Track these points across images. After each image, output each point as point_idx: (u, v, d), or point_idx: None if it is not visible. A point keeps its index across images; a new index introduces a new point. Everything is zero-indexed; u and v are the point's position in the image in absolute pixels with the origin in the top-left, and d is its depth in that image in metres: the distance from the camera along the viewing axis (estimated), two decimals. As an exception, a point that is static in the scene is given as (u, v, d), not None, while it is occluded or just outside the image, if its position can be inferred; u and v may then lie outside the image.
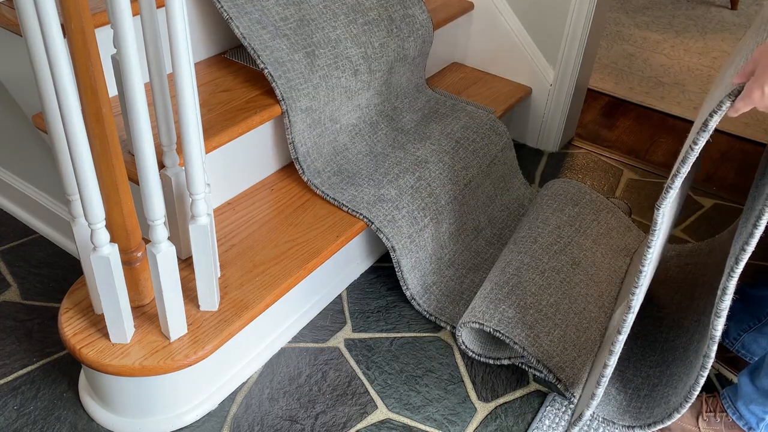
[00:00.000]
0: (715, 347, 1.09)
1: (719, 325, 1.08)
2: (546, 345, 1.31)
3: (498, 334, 1.31)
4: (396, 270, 1.47)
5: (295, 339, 1.43)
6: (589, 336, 1.38)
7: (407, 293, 1.49)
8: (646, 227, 1.84)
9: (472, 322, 1.33)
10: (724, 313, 1.08)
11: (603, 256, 1.57)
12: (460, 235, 1.64)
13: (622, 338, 1.10)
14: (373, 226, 1.44)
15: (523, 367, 1.38)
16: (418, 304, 1.50)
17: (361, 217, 1.44)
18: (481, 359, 1.39)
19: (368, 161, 1.59)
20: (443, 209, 1.58)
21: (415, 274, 1.50)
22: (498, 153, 1.79)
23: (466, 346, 1.39)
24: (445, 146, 1.68)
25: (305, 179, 1.49)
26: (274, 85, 1.38)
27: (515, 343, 1.30)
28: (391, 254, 1.46)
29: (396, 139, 1.67)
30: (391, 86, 1.70)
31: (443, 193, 1.59)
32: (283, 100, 1.39)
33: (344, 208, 1.46)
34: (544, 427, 1.27)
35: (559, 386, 1.30)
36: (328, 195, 1.47)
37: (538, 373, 1.38)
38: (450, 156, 1.66)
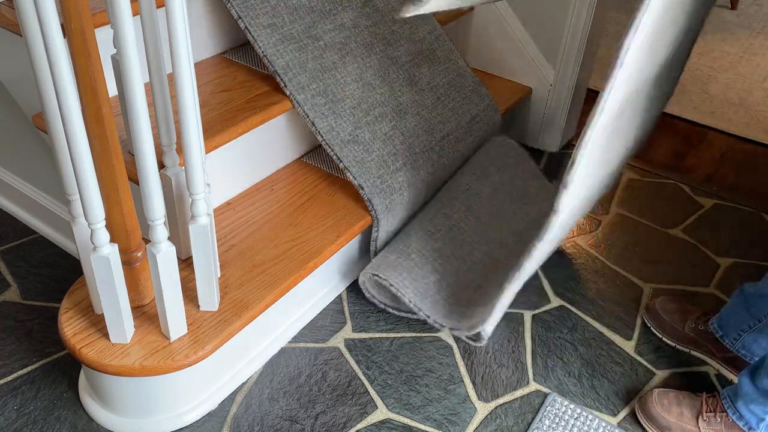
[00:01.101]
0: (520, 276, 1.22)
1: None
2: (422, 288, 1.42)
3: (376, 278, 1.40)
4: (370, 210, 1.45)
5: (295, 339, 1.43)
6: (471, 278, 1.49)
7: (379, 233, 1.47)
8: (646, 227, 1.84)
9: (364, 273, 1.43)
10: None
11: (500, 202, 1.65)
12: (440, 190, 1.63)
13: (513, 287, 1.21)
14: (341, 164, 1.43)
15: (410, 315, 1.48)
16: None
17: (332, 154, 1.43)
18: (388, 309, 1.48)
19: (354, 89, 1.54)
20: (419, 157, 1.56)
21: (389, 218, 1.48)
22: (479, 113, 1.78)
23: (372, 295, 1.47)
24: (427, 100, 1.66)
25: (287, 93, 1.43)
26: (229, 5, 1.38)
27: (391, 284, 1.38)
28: (361, 193, 1.44)
29: (387, 72, 1.62)
30: (382, 10, 1.66)
31: (417, 143, 1.58)
32: (240, 18, 1.38)
33: (319, 137, 1.43)
34: (544, 427, 1.27)
35: (429, 322, 1.40)
36: (308, 117, 1.43)
37: (411, 316, 1.48)
38: (429, 111, 1.65)
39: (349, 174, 1.43)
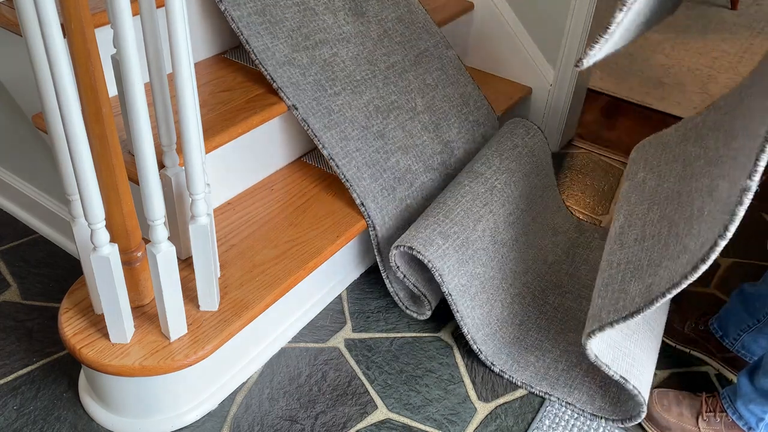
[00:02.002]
0: (636, 391, 1.20)
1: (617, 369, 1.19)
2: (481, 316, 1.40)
3: (419, 255, 1.34)
4: (310, 134, 1.42)
5: (295, 339, 1.43)
6: (514, 310, 1.48)
7: (324, 152, 1.44)
8: (646, 227, 1.84)
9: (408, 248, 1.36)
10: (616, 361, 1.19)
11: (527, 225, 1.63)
12: (392, 112, 1.60)
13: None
14: (274, 84, 1.41)
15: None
16: (336, 164, 1.45)
17: (266, 74, 1.41)
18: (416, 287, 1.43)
19: (296, 13, 1.51)
20: (359, 84, 1.55)
21: (332, 135, 1.46)
22: (429, 47, 1.77)
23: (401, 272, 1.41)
24: (372, 32, 1.65)
25: (222, 9, 1.41)
26: None
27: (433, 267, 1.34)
28: (295, 114, 1.42)
29: (332, 0, 1.60)
30: None
31: (358, 71, 1.56)
32: None
33: (252, 56, 1.41)
34: (544, 427, 1.27)
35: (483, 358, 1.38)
36: (242, 34, 1.41)
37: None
38: (373, 42, 1.63)
39: (282, 94, 1.40)
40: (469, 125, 1.77)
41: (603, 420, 1.28)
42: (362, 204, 1.44)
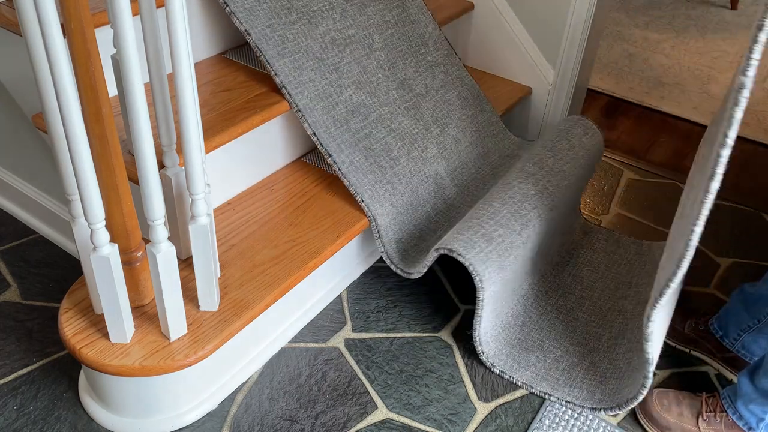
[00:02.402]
0: (651, 367, 1.20)
1: (650, 349, 1.19)
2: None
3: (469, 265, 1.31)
4: (263, 61, 1.41)
5: (295, 339, 1.43)
6: (517, 311, 1.48)
7: (276, 80, 1.43)
8: (646, 227, 1.84)
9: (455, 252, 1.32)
10: (652, 337, 1.17)
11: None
12: (348, 46, 1.59)
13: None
14: (227, 9, 1.39)
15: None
16: (288, 93, 1.43)
17: (251, 40, 1.40)
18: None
19: None
20: (316, 14, 1.53)
21: (285, 64, 1.44)
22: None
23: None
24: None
25: None
26: None
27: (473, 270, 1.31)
28: (249, 40, 1.41)
29: None
30: None
31: (315, 1, 1.55)
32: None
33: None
34: (544, 427, 1.27)
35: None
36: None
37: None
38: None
39: (235, 19, 1.39)
40: (427, 65, 1.76)
41: (603, 411, 1.28)
42: (314, 134, 1.44)
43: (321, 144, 1.44)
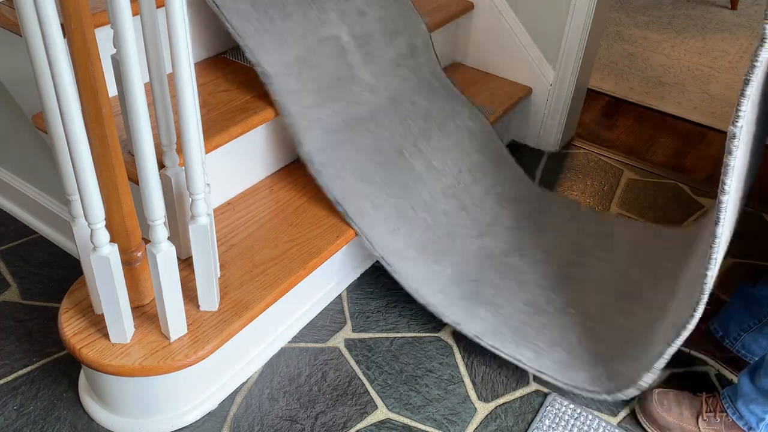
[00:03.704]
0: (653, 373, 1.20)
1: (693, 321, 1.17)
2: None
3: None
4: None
5: (295, 339, 1.43)
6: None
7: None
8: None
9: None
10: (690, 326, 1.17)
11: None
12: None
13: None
14: (248, 53, 1.38)
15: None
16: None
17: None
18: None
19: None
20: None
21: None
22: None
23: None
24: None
25: None
26: None
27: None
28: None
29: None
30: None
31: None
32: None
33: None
34: (544, 427, 1.27)
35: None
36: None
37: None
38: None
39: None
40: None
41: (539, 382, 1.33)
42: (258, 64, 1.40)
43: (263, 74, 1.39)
